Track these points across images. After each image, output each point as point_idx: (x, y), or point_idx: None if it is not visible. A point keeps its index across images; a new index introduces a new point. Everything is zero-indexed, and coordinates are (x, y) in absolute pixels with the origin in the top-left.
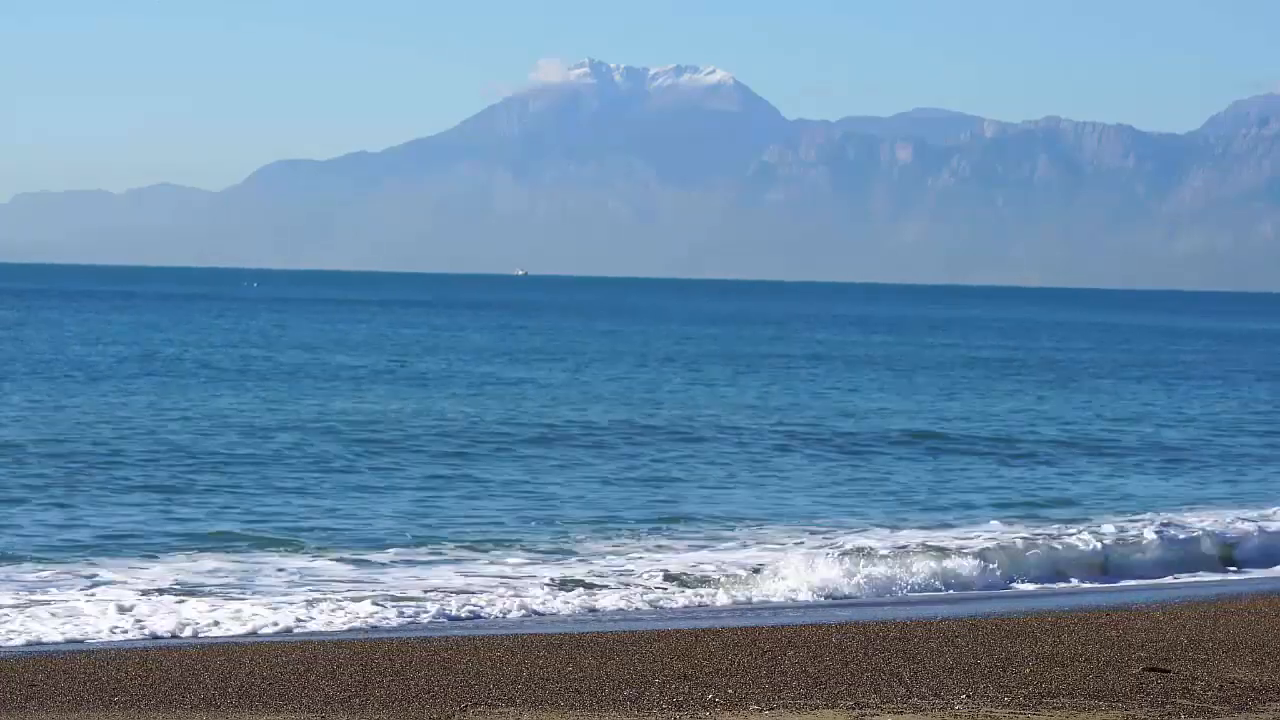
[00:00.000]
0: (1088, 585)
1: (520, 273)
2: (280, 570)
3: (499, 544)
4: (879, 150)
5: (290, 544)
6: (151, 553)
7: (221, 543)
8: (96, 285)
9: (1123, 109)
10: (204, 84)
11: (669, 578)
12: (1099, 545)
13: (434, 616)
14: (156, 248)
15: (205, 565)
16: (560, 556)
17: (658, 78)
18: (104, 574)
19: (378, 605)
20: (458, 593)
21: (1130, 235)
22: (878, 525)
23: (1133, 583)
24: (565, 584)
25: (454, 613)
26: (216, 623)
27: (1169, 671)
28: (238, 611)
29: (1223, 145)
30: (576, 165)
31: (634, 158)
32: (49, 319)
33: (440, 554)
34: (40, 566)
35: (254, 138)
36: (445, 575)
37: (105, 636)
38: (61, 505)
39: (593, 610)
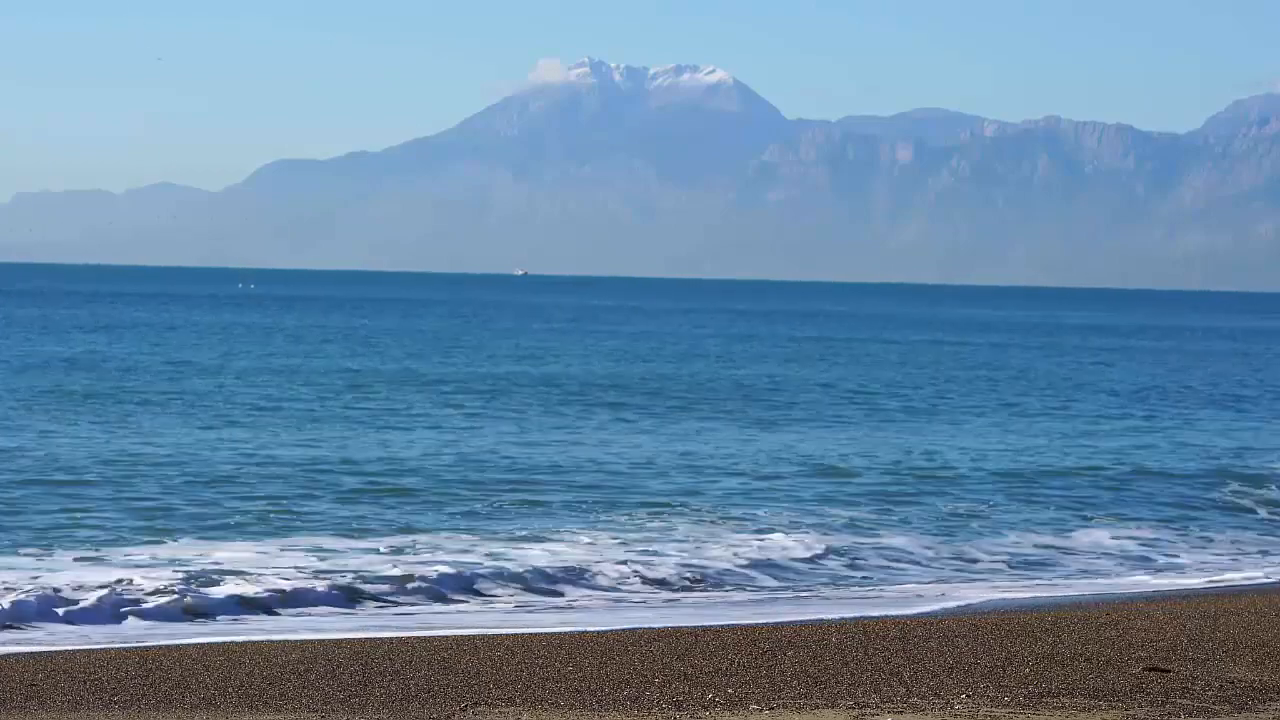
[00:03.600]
0: (1087, 584)
1: (520, 272)
2: None
3: None
4: (879, 150)
5: None
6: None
7: None
8: (81, 286)
9: (1123, 109)
10: (204, 84)
11: None
12: None
13: None
14: (157, 248)
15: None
16: None
17: (658, 78)
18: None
19: None
20: None
21: (1130, 235)
22: None
23: (1131, 582)
24: None
25: None
26: None
27: (1169, 671)
28: None
29: (1223, 145)
30: (576, 165)
31: (634, 158)
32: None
33: None
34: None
35: (254, 138)
36: None
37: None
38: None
39: None
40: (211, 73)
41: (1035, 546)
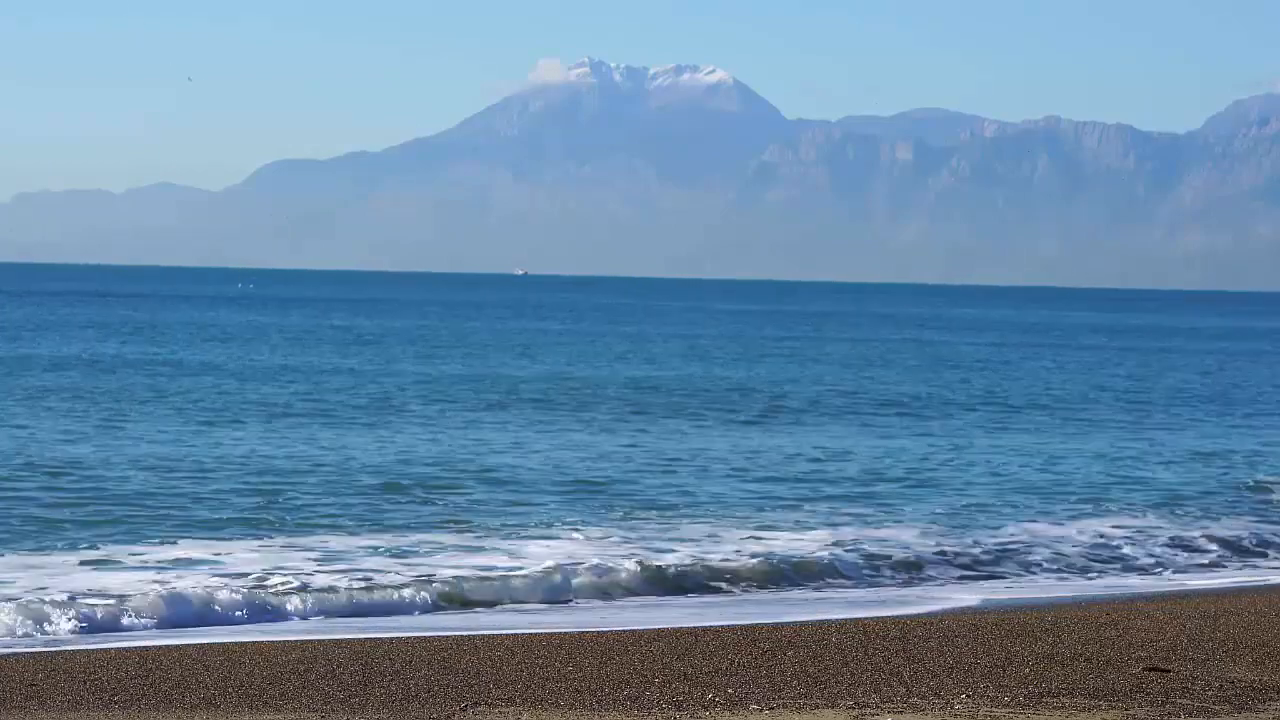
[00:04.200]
0: (1087, 584)
1: (520, 272)
2: None
3: None
4: (879, 150)
5: None
6: None
7: None
8: (81, 285)
9: (1123, 109)
10: (204, 83)
11: None
12: None
13: None
14: (157, 248)
15: None
16: None
17: (658, 77)
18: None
19: None
20: None
21: (1130, 235)
22: None
23: (1131, 582)
24: None
25: None
26: None
27: (1169, 671)
28: None
29: (1222, 145)
30: (576, 165)
31: (634, 158)
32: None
33: None
34: None
35: (254, 138)
36: None
37: None
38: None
39: None
40: (212, 72)
41: (1034, 545)
